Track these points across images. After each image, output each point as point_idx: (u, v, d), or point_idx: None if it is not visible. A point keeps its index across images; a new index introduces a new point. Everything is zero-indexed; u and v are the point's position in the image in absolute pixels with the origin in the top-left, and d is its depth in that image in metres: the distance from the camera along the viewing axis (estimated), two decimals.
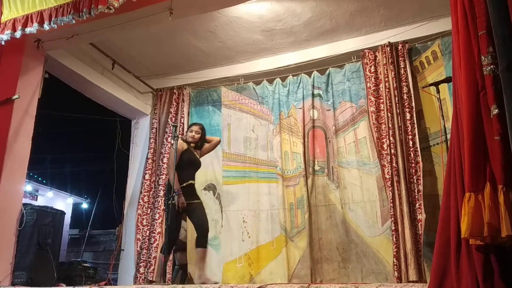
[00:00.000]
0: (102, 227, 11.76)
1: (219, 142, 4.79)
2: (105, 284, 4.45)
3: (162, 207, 5.16)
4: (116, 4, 3.53)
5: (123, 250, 5.42)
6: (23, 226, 4.13)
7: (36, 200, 10.85)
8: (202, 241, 4.19)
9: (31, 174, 10.39)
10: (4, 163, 3.92)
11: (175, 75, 5.79)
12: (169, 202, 4.57)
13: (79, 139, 12.36)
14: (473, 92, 2.16)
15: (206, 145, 4.58)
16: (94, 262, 9.27)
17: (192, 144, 4.43)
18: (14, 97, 4.03)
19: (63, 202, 12.10)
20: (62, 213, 4.96)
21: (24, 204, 4.30)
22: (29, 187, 10.50)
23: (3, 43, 4.00)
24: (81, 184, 13.13)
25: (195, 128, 4.50)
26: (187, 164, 4.32)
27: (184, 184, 4.21)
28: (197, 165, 4.50)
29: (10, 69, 4.16)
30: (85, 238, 10.21)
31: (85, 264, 5.45)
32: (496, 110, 2.00)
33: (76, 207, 12.93)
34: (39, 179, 11.56)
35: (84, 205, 13.09)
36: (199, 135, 4.46)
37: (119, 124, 5.74)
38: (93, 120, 7.36)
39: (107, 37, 4.75)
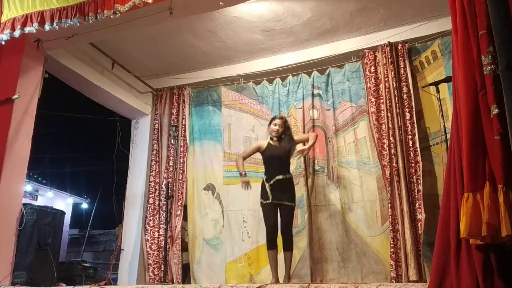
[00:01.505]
0: (102, 227, 11.77)
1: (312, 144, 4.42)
2: (105, 284, 4.44)
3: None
4: (122, 9, 3.54)
5: (123, 250, 5.41)
6: (23, 226, 4.13)
7: (36, 200, 10.85)
8: (286, 244, 4.11)
9: (31, 174, 10.40)
10: (4, 163, 3.91)
11: (175, 75, 5.79)
12: (169, 201, 4.59)
13: (79, 139, 12.37)
14: (472, 91, 2.16)
15: (300, 146, 4.36)
16: (94, 262, 9.27)
17: (274, 139, 4.30)
18: (14, 97, 4.03)
19: (63, 202, 12.11)
20: (62, 213, 4.96)
21: (24, 204, 4.30)
22: (29, 187, 10.51)
23: (3, 43, 3.99)
24: (81, 184, 13.15)
25: (278, 122, 4.30)
26: (270, 161, 4.26)
27: (272, 181, 4.13)
28: (282, 157, 4.26)
29: (10, 69, 4.15)
30: (85, 238, 10.21)
31: (85, 264, 5.45)
32: (496, 110, 2.00)
33: (76, 207, 12.94)
34: (39, 179, 11.56)
35: (84, 205, 13.10)
36: (282, 129, 4.29)
37: (119, 124, 5.74)
38: (93, 120, 7.36)
39: (107, 37, 4.75)
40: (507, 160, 1.95)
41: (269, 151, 4.28)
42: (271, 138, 4.32)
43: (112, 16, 3.57)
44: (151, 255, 5.20)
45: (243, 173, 4.30)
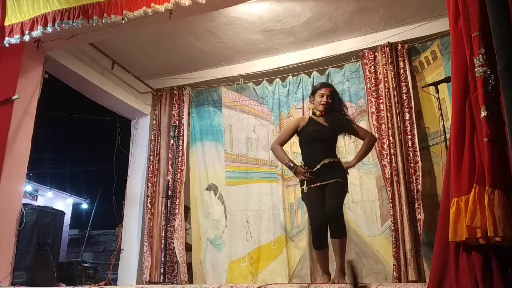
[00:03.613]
0: (102, 227, 11.79)
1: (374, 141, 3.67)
2: (105, 284, 4.45)
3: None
4: (130, 16, 3.55)
5: (123, 250, 5.42)
6: (23, 226, 4.13)
7: (36, 200, 10.84)
8: (336, 230, 3.25)
9: (31, 174, 10.39)
10: (4, 163, 3.91)
11: (174, 75, 5.79)
12: (169, 201, 4.57)
13: (79, 139, 12.36)
14: (460, 94, 2.19)
15: (361, 151, 3.55)
16: (94, 262, 9.27)
17: (318, 113, 3.47)
18: (14, 97, 4.03)
19: (63, 203, 12.10)
20: (62, 213, 4.98)
21: (24, 204, 4.31)
22: (29, 187, 10.49)
23: (6, 45, 4.00)
24: (81, 184, 13.13)
25: (326, 91, 3.43)
26: (313, 141, 3.41)
27: (316, 168, 3.30)
28: (329, 137, 3.43)
29: (10, 69, 4.15)
30: (85, 238, 10.21)
31: (85, 264, 5.46)
32: (485, 112, 2.03)
33: (76, 207, 12.92)
34: (39, 179, 11.55)
35: (84, 205, 13.09)
36: (331, 101, 3.44)
37: (118, 124, 5.75)
38: (93, 120, 7.36)
39: (107, 37, 4.74)
40: (494, 162, 1.98)
41: (312, 129, 3.42)
42: (314, 113, 3.51)
43: (122, 21, 3.59)
44: (156, 256, 5.20)
45: (291, 164, 3.38)
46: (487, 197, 1.96)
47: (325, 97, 3.42)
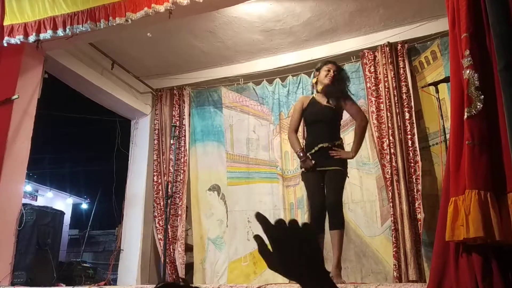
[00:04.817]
0: (101, 228, 11.77)
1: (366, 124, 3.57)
2: (105, 284, 4.45)
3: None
4: (133, 17, 3.56)
5: (122, 250, 5.42)
6: (23, 226, 4.14)
7: (36, 200, 10.83)
8: (334, 221, 3.21)
9: (30, 174, 10.39)
10: (4, 163, 3.91)
11: (174, 75, 5.79)
12: (169, 201, 4.57)
13: (79, 139, 12.36)
14: (457, 95, 2.20)
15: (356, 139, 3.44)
16: (94, 263, 9.27)
17: (320, 88, 3.41)
18: (14, 97, 4.03)
19: (63, 203, 12.09)
20: (62, 213, 4.98)
21: (24, 204, 4.31)
22: (28, 187, 10.48)
23: (5, 44, 3.99)
24: (80, 184, 13.13)
25: (332, 67, 3.40)
26: (313, 122, 3.37)
27: (314, 150, 3.26)
28: (330, 118, 3.37)
29: (9, 69, 4.15)
30: (85, 238, 10.20)
31: (84, 264, 5.46)
32: (466, 114, 2.04)
33: (75, 208, 12.92)
34: (39, 179, 11.55)
35: (84, 206, 13.08)
36: (337, 74, 3.40)
37: (118, 124, 5.75)
38: (93, 120, 7.36)
39: (107, 37, 4.75)
40: (474, 165, 2.00)
41: (312, 109, 3.38)
42: (317, 91, 3.46)
43: (124, 23, 3.60)
44: (167, 254, 5.22)
45: (301, 153, 3.27)
46: (462, 200, 1.99)
47: (331, 71, 3.42)
